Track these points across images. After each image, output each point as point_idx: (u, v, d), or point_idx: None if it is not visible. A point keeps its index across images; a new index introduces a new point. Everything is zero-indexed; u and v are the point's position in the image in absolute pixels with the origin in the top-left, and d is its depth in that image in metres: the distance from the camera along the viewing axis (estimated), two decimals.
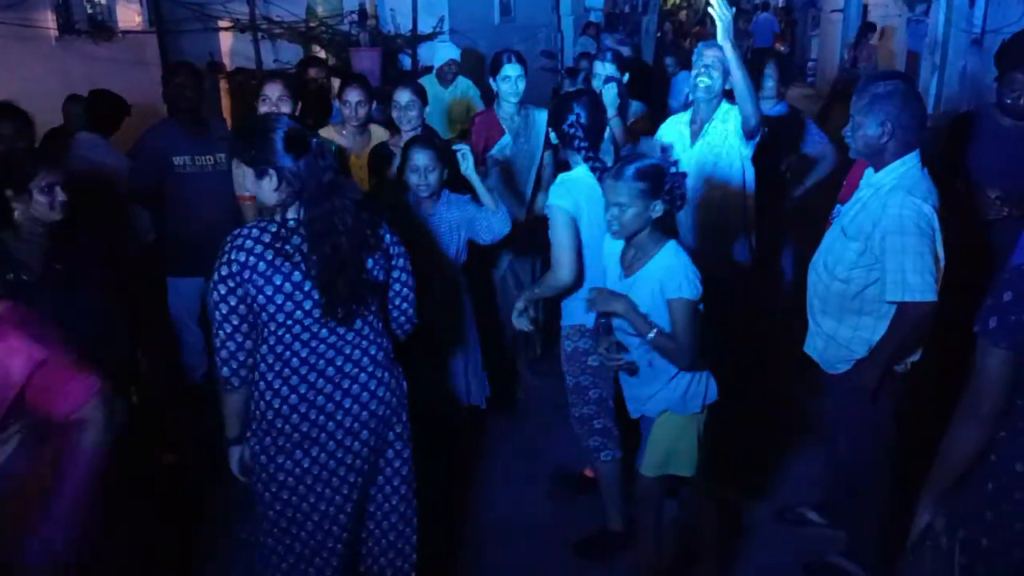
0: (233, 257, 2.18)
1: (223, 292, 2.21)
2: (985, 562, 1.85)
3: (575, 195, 2.79)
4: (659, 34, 16.66)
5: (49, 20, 5.72)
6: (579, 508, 3.31)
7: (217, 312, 2.23)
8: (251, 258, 2.19)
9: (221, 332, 2.25)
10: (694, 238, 3.51)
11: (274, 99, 3.65)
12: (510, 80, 3.81)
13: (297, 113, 3.69)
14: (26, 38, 5.40)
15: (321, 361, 2.32)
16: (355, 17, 7.72)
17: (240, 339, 2.26)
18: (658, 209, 2.37)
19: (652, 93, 5.02)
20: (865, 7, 13.45)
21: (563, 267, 2.79)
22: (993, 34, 7.36)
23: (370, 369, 2.38)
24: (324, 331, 2.30)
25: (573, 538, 3.18)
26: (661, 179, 2.35)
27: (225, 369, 2.28)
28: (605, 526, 3.15)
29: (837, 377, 2.79)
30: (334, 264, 2.23)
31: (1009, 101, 3.53)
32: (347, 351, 2.35)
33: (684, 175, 2.43)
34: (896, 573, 2.95)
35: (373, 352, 2.39)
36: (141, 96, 4.88)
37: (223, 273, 2.19)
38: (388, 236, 2.40)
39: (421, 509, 2.64)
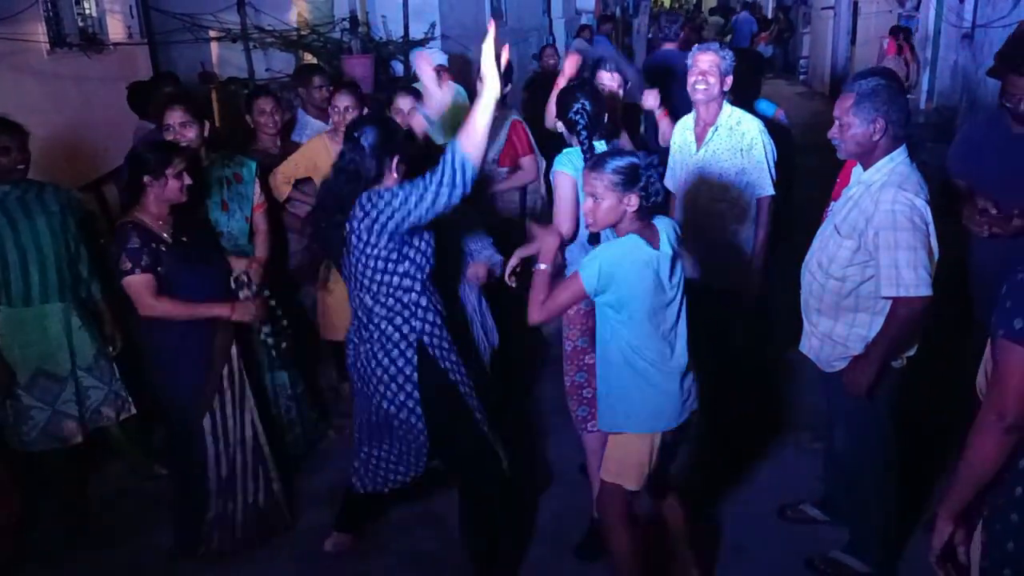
0: None
1: None
2: (1014, 566, 1.78)
3: (577, 164, 2.91)
4: (650, 35, 16.73)
5: (40, 33, 5.70)
6: (580, 510, 3.30)
7: None
8: None
9: None
10: (697, 246, 3.51)
11: (268, 110, 3.76)
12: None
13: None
14: (17, 52, 5.39)
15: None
16: (346, 24, 7.71)
17: None
18: (633, 203, 2.38)
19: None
20: (856, 4, 13.48)
21: (564, 224, 2.95)
22: (983, 29, 7.39)
23: (360, 318, 2.77)
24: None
25: (575, 540, 3.18)
26: (637, 173, 2.37)
27: None
28: (592, 519, 3.17)
29: (834, 375, 2.79)
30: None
31: (1009, 106, 3.11)
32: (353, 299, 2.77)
33: (660, 170, 2.44)
34: (899, 568, 2.95)
35: (360, 299, 2.75)
36: None
37: None
38: (357, 227, 2.62)
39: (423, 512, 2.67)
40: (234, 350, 3.17)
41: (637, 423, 2.51)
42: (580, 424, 3.15)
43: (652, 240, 2.41)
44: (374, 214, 2.57)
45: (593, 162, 2.44)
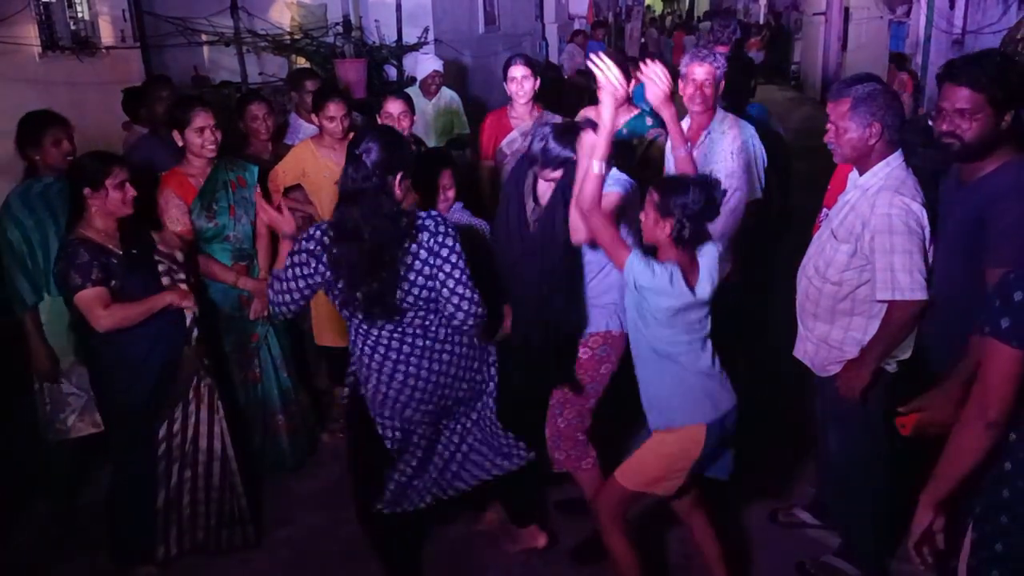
0: (303, 246, 2.55)
1: (288, 264, 2.57)
2: (1001, 566, 1.83)
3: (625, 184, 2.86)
4: (643, 40, 16.79)
5: (32, 36, 5.70)
6: (577, 511, 3.30)
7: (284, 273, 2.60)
8: (318, 247, 2.53)
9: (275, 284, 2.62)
10: None
11: (260, 116, 3.89)
12: (516, 80, 4.04)
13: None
14: (9, 53, 5.38)
15: (367, 347, 2.63)
16: (339, 28, 7.71)
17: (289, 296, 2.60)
18: (666, 229, 2.40)
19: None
20: (847, 10, 13.56)
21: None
22: (973, 35, 7.45)
23: (416, 357, 2.61)
24: (365, 321, 2.59)
25: (571, 542, 3.18)
26: (669, 205, 2.39)
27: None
28: (595, 529, 3.16)
29: (828, 379, 2.79)
30: (352, 265, 2.47)
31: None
32: (385, 341, 2.60)
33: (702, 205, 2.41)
34: (890, 572, 2.96)
35: (420, 344, 2.61)
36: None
37: (294, 249, 2.58)
38: (429, 243, 2.49)
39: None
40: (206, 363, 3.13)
41: (679, 416, 2.53)
42: (572, 465, 3.10)
43: (691, 276, 2.42)
44: (448, 248, 2.50)
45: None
